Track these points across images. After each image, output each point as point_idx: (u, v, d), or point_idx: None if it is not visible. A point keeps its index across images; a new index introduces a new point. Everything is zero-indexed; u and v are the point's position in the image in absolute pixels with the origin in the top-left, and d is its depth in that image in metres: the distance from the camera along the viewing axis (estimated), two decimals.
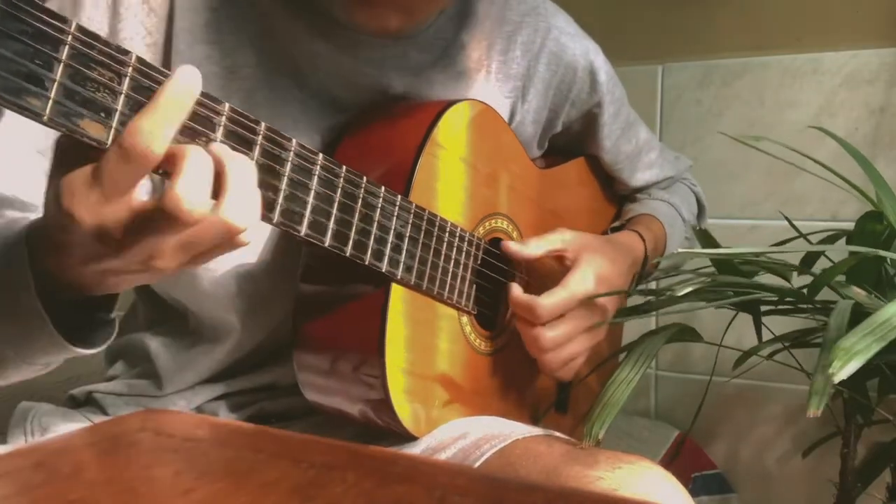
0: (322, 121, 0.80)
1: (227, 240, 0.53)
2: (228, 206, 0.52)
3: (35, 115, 0.47)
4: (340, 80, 0.80)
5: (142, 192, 0.51)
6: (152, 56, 0.73)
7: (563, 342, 0.86)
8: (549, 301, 0.83)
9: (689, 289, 0.82)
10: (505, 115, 0.92)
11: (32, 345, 0.59)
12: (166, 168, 0.51)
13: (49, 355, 0.61)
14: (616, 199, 1.14)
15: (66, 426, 0.81)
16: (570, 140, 1.03)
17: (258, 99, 0.76)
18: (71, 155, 0.51)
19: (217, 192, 0.52)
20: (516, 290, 0.85)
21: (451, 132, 0.81)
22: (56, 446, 0.41)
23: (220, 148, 0.54)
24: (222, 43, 0.75)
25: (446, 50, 0.86)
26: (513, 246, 0.86)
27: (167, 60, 0.74)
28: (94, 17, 0.71)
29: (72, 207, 0.50)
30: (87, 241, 0.52)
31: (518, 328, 0.86)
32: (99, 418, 0.84)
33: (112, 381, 0.87)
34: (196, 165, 0.51)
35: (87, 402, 0.87)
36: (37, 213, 0.67)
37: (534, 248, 0.86)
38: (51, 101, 0.47)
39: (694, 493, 1.37)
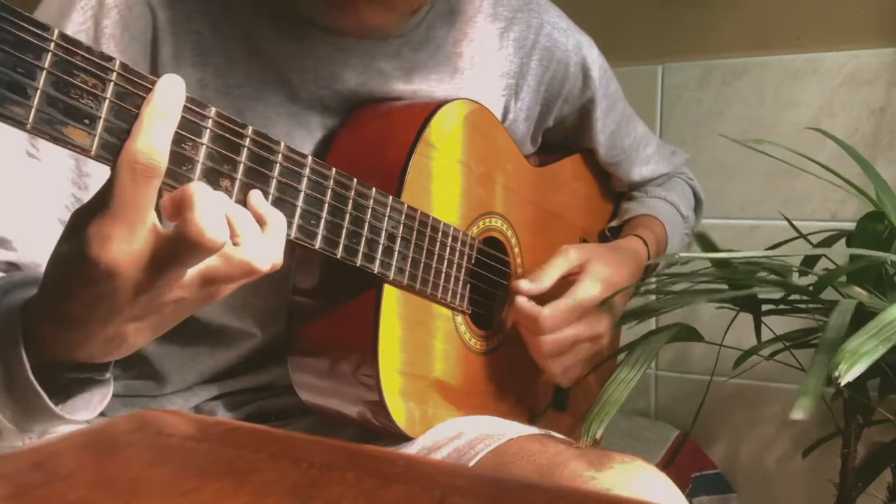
0: (317, 131, 0.80)
1: (251, 275, 0.56)
2: (245, 246, 0.55)
3: (18, 124, 0.47)
4: (332, 89, 0.79)
5: (157, 219, 0.53)
6: None
7: (566, 349, 0.86)
8: (552, 313, 0.84)
9: (687, 284, 0.82)
10: (498, 113, 0.92)
11: (31, 418, 0.59)
12: (175, 213, 0.53)
13: (45, 424, 0.61)
14: (612, 196, 1.13)
15: (66, 427, 0.80)
16: (565, 135, 1.03)
17: (250, 117, 0.76)
18: (85, 220, 0.52)
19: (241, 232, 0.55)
20: (522, 300, 0.84)
21: (444, 132, 0.80)
22: (56, 446, 0.41)
23: (257, 197, 0.58)
24: (210, 65, 0.74)
25: (439, 48, 0.86)
26: (523, 285, 0.85)
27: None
28: None
29: (100, 251, 0.50)
30: (117, 285, 0.52)
31: (522, 334, 0.87)
32: (98, 419, 0.84)
33: None
34: (207, 198, 0.52)
35: None
36: None
37: (544, 280, 0.86)
38: (34, 110, 0.47)
39: (694, 493, 1.38)
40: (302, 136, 0.78)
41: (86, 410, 0.61)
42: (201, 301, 0.56)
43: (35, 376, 0.56)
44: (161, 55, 0.73)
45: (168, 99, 0.52)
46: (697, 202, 1.18)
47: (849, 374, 0.61)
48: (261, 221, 0.58)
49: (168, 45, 0.73)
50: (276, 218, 0.58)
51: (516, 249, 0.93)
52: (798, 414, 0.62)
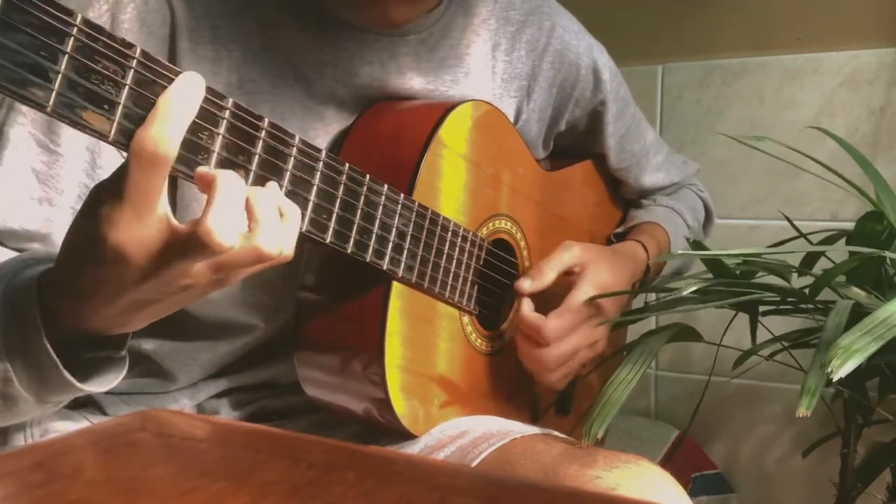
0: (331, 126, 0.80)
1: (260, 263, 0.56)
2: (261, 235, 0.54)
3: (39, 107, 0.47)
4: (348, 84, 0.80)
5: (170, 212, 0.53)
6: None
7: (566, 359, 0.87)
8: (556, 324, 0.84)
9: (688, 291, 0.82)
10: (511, 114, 0.92)
11: (46, 386, 0.60)
12: (202, 191, 0.53)
13: (61, 395, 0.62)
14: (621, 203, 1.14)
15: (66, 426, 0.80)
16: (576, 140, 1.03)
17: (264, 111, 0.76)
18: (100, 199, 0.53)
19: (251, 220, 0.55)
20: (527, 307, 0.85)
21: (456, 132, 0.81)
22: (56, 446, 0.41)
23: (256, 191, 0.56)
24: (226, 59, 0.75)
25: (452, 49, 0.86)
26: (525, 284, 0.86)
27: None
28: None
29: (108, 232, 0.52)
30: (123, 269, 0.53)
31: (519, 344, 0.87)
32: (98, 418, 0.84)
33: None
34: (228, 195, 0.52)
35: (86, 403, 0.87)
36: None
37: (546, 276, 0.87)
38: (54, 93, 0.47)
39: (694, 493, 1.38)
40: (316, 131, 0.79)
41: (99, 384, 0.62)
42: (210, 287, 0.57)
43: (51, 346, 0.57)
44: (178, 49, 0.73)
45: (185, 93, 0.52)
46: (708, 215, 1.18)
47: (841, 369, 0.62)
48: (279, 211, 0.58)
49: (185, 40, 0.73)
50: (292, 208, 0.59)
51: (525, 252, 0.93)
52: (802, 411, 0.63)
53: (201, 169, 0.54)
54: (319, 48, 0.78)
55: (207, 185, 0.53)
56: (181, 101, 0.52)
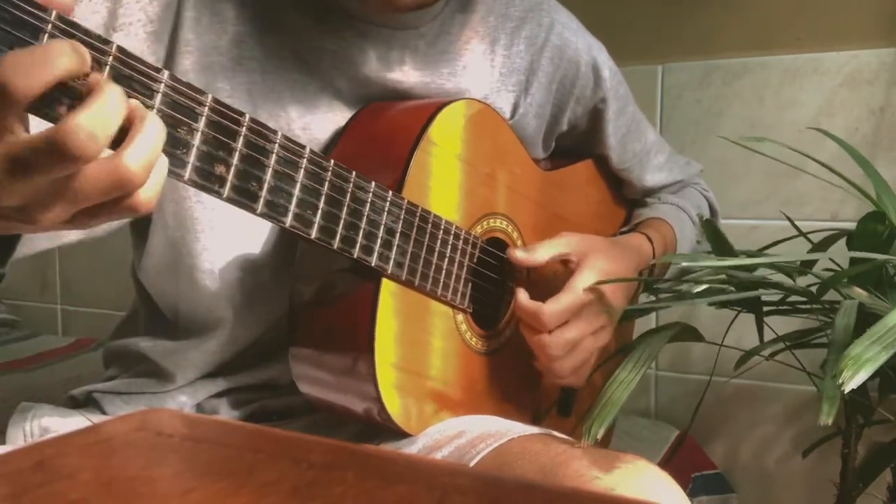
0: (327, 115, 0.80)
1: (119, 194, 0.48)
2: (130, 153, 0.47)
3: None
4: (346, 75, 0.80)
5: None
6: (151, 44, 0.72)
7: (571, 347, 0.85)
8: (554, 307, 0.83)
9: (704, 286, 0.81)
10: (508, 108, 0.92)
11: None
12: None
13: None
14: (625, 204, 1.13)
15: (66, 426, 0.80)
16: (578, 140, 1.03)
17: (263, 91, 0.76)
18: None
19: (119, 141, 0.48)
20: (522, 295, 0.84)
21: (447, 131, 0.80)
22: (56, 446, 0.41)
23: (134, 102, 0.50)
24: (229, 33, 0.75)
25: (451, 44, 0.86)
26: (518, 254, 0.85)
27: (172, 49, 0.74)
28: None
29: None
30: None
31: (524, 334, 0.86)
32: (98, 418, 0.84)
33: (111, 380, 0.87)
34: (107, 102, 0.46)
35: (86, 403, 0.87)
36: None
37: (540, 253, 0.86)
38: None
39: (694, 493, 1.38)
40: (312, 116, 0.79)
41: None
42: (60, 217, 0.49)
43: None
44: (183, 18, 0.73)
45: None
46: (712, 213, 1.17)
47: (853, 380, 0.62)
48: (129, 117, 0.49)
49: (192, 10, 0.74)
50: (150, 123, 0.49)
51: None
52: (825, 419, 0.63)
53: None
54: (320, 35, 0.78)
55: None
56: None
